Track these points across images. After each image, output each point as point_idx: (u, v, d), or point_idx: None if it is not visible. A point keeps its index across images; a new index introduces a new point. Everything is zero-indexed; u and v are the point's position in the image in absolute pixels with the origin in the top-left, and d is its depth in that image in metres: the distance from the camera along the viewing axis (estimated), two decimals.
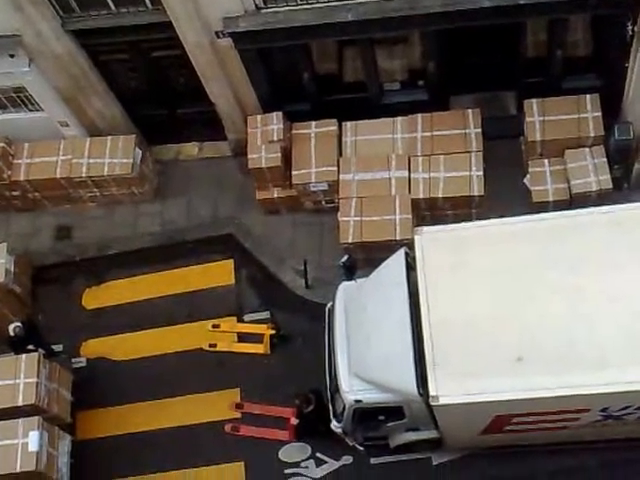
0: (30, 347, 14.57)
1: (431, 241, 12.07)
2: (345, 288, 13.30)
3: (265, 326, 14.77)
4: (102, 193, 15.88)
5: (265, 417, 14.27)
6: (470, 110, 14.47)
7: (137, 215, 16.10)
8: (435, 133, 14.42)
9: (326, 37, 13.57)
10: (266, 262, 15.37)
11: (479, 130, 14.31)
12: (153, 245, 15.87)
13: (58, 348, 15.29)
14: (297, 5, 12.96)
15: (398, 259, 12.45)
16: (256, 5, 12.97)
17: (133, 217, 16.10)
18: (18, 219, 16.45)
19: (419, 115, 14.51)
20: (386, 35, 13.83)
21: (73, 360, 15.20)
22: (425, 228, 12.31)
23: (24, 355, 14.13)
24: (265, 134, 14.74)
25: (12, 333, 14.24)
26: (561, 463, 13.12)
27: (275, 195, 15.24)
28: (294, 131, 14.96)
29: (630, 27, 12.83)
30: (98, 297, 15.65)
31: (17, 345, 14.51)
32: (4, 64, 14.11)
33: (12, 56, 13.98)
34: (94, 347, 15.31)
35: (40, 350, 14.55)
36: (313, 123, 14.87)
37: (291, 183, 14.87)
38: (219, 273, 15.50)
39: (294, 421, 13.53)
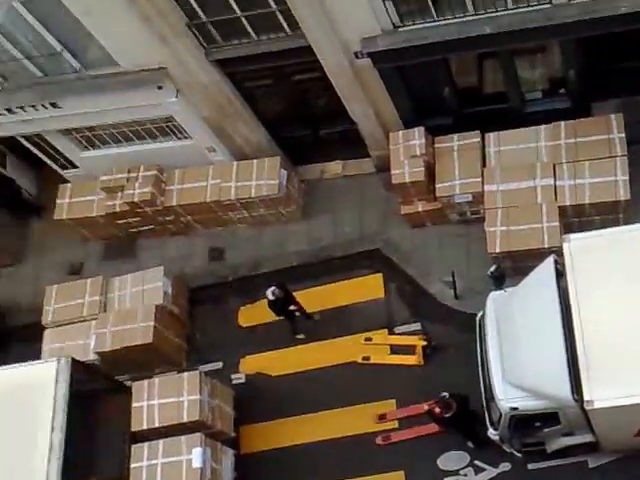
0: (292, 308, 15.74)
1: (580, 247, 12.56)
2: (495, 297, 13.87)
3: (417, 337, 15.59)
4: (251, 214, 17.13)
5: (412, 418, 14.99)
6: (613, 115, 14.84)
7: (285, 234, 17.27)
8: (579, 140, 14.88)
9: (465, 51, 14.31)
10: (414, 274, 16.21)
11: (622, 135, 14.67)
12: (302, 263, 16.97)
13: (218, 365, 16.59)
14: (434, 21, 13.70)
15: (547, 266, 12.98)
16: (393, 24, 13.82)
17: (281, 236, 17.29)
18: (173, 243, 17.96)
19: (562, 123, 15.01)
20: (525, 46, 14.38)
21: (232, 376, 16.44)
22: (573, 235, 12.81)
23: (186, 374, 15.33)
24: (407, 149, 15.56)
25: (271, 296, 15.28)
26: None
27: (420, 209, 16.02)
28: (436, 145, 15.75)
29: None
30: (252, 315, 16.87)
31: (278, 307, 15.59)
32: (153, 96, 15.47)
33: (160, 88, 15.33)
34: (252, 363, 16.54)
35: (297, 314, 15.79)
36: (455, 136, 15.60)
37: (435, 196, 15.65)
38: (368, 287, 16.46)
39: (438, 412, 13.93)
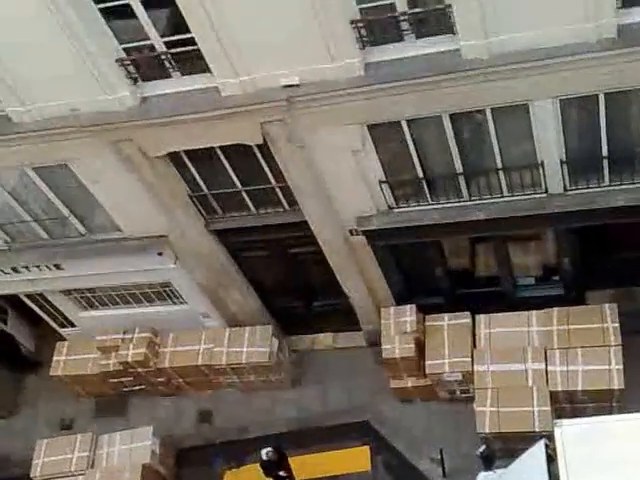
0: (281, 474, 13.82)
1: (572, 434, 10.78)
2: (484, 478, 12.04)
3: None
4: (241, 380, 15.15)
5: None
6: (607, 305, 13.11)
7: (274, 401, 15.23)
8: (571, 327, 13.09)
9: (458, 235, 12.83)
10: (402, 449, 14.14)
11: (617, 325, 12.90)
12: (290, 430, 14.88)
13: None
14: (428, 204, 12.25)
15: (538, 451, 11.14)
16: (388, 205, 12.40)
17: (270, 403, 15.24)
18: (163, 403, 15.91)
19: (555, 309, 13.24)
20: (519, 233, 12.89)
21: None
22: (565, 421, 11.08)
23: None
24: (398, 325, 13.79)
25: (265, 457, 13.44)
26: None
27: (409, 384, 14.10)
28: (427, 323, 13.95)
29: None
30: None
31: (269, 470, 13.72)
32: (153, 261, 13.91)
33: (160, 254, 13.79)
34: None
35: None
36: (446, 315, 13.83)
37: (425, 373, 13.70)
38: (355, 459, 14.34)
39: None
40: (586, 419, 11.39)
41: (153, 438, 14.61)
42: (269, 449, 13.44)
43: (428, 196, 12.12)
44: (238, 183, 12.55)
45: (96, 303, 15.45)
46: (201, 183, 12.68)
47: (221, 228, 13.56)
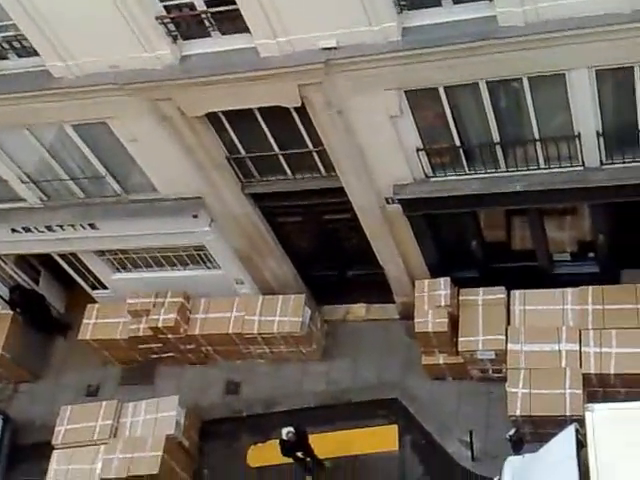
0: (299, 454, 15.40)
1: (603, 419, 11.96)
2: (512, 463, 13.22)
3: None
4: (271, 350, 16.90)
5: None
6: None
7: (304, 373, 16.92)
8: (607, 307, 14.48)
9: (494, 206, 14.23)
10: (431, 430, 15.65)
11: None
12: (318, 405, 16.53)
13: None
14: (465, 174, 13.78)
15: (568, 436, 12.37)
16: (425, 174, 13.92)
17: (300, 375, 16.93)
18: (191, 372, 17.71)
19: (590, 287, 14.67)
20: (555, 206, 14.33)
21: None
22: (597, 405, 12.23)
23: None
24: (432, 299, 15.35)
25: (285, 437, 14.88)
26: None
27: (441, 361, 15.64)
28: (461, 297, 15.48)
29: None
30: (263, 455, 16.33)
31: (287, 449, 15.18)
32: (188, 224, 15.63)
33: (195, 216, 15.48)
34: None
35: (308, 460, 15.50)
36: (481, 290, 15.34)
37: (457, 350, 15.24)
38: (383, 438, 15.90)
39: None
40: (618, 404, 12.62)
41: (178, 408, 16.31)
42: (290, 429, 14.90)
43: (465, 165, 13.65)
44: (275, 146, 14.19)
45: (129, 265, 17.39)
46: (239, 145, 14.34)
47: (257, 192, 15.26)
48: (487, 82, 12.31)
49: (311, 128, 13.57)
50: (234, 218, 15.47)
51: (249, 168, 14.76)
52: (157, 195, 15.34)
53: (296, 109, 13.19)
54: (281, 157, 14.36)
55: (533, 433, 14.21)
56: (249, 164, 14.68)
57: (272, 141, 14.07)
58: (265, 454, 16.26)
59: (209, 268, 16.96)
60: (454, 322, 15.28)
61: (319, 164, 14.38)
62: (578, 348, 14.38)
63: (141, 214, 15.52)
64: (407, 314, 16.00)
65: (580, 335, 14.48)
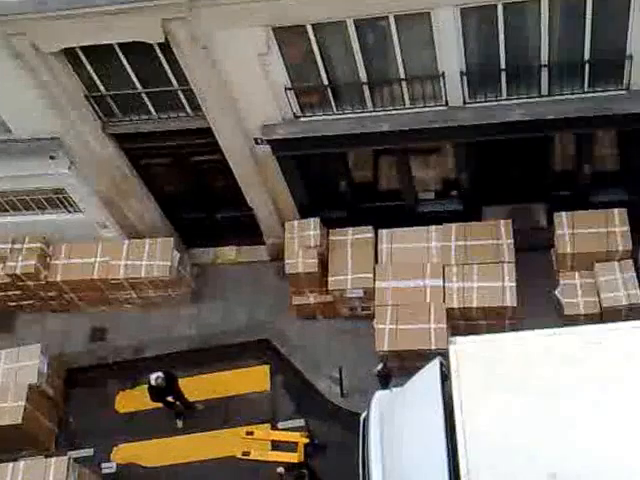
0: (169, 399, 15.26)
1: (465, 351, 12.40)
2: (380, 397, 13.59)
3: (299, 434, 15.13)
4: (139, 295, 16.63)
5: None
6: (502, 221, 15.06)
7: (173, 318, 16.77)
8: (469, 243, 15.01)
9: (361, 146, 14.39)
10: (302, 368, 15.87)
11: (511, 241, 14.87)
12: (189, 349, 16.46)
13: (89, 452, 15.77)
14: (333, 114, 13.81)
15: (432, 369, 12.79)
16: (294, 114, 13.89)
17: (169, 320, 16.78)
18: (53, 320, 17.25)
19: (453, 225, 15.13)
20: (420, 146, 14.61)
21: (103, 465, 15.63)
22: (459, 338, 12.66)
23: (53, 459, 14.62)
24: (302, 240, 15.46)
25: (154, 382, 14.74)
26: None
27: (311, 301, 15.85)
28: (331, 237, 15.67)
29: None
30: (131, 401, 16.17)
31: (157, 395, 15.07)
32: (44, 166, 15.04)
33: (52, 158, 14.91)
34: (125, 452, 15.78)
35: (178, 403, 15.36)
36: (350, 230, 15.55)
37: (327, 289, 15.45)
38: (254, 378, 16.02)
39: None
40: (479, 337, 13.02)
41: (41, 357, 15.88)
42: (159, 374, 14.82)
43: (333, 105, 13.68)
44: (138, 84, 13.79)
45: None
46: (98, 83, 13.87)
47: (120, 132, 14.84)
48: (355, 20, 12.26)
49: (176, 65, 13.24)
50: (96, 160, 15.01)
51: (110, 107, 14.33)
52: (10, 136, 14.64)
53: (160, 45, 12.80)
54: (144, 96, 14.01)
55: (400, 367, 14.52)
56: (110, 103, 14.25)
57: (134, 79, 13.66)
58: (134, 400, 16.12)
59: (70, 212, 16.40)
60: (324, 262, 15.47)
61: (185, 103, 14.10)
62: (442, 284, 14.82)
63: None
64: (277, 255, 16.09)
65: (444, 271, 14.94)
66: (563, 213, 14.85)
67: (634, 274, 14.57)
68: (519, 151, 14.36)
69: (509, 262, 14.70)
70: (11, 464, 14.61)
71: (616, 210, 14.74)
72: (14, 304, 17.11)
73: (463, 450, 11.54)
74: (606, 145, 14.73)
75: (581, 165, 14.73)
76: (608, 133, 14.45)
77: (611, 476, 11.15)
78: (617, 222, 14.70)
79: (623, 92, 13.10)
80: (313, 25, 12.45)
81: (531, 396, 11.77)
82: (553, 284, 15.19)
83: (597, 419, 11.49)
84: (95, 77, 13.72)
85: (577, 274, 14.94)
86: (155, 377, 14.71)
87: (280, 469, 13.66)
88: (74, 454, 15.35)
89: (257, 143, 14.41)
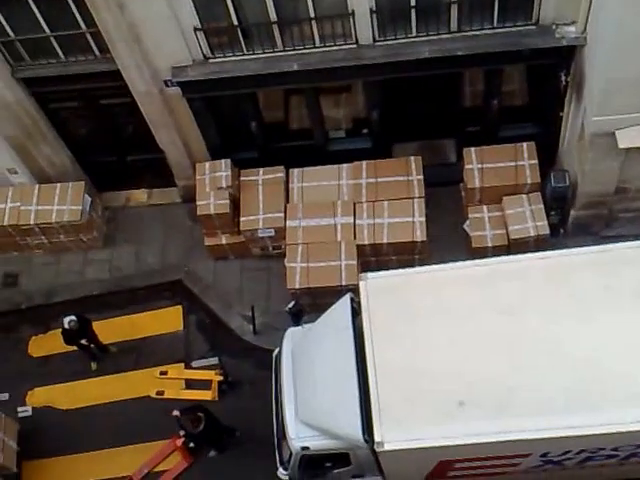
0: (83, 342, 15.07)
1: (375, 286, 12.55)
2: (292, 334, 13.71)
3: (213, 372, 15.20)
4: (50, 240, 16.38)
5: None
6: (412, 157, 15.28)
7: (85, 262, 16.61)
8: (379, 180, 15.18)
9: (272, 86, 14.28)
10: (214, 308, 15.94)
11: (421, 177, 15.10)
12: (101, 292, 16.36)
13: (3, 397, 15.61)
14: (243, 55, 13.69)
15: (343, 305, 12.93)
16: (204, 55, 13.74)
17: (81, 264, 16.61)
18: None
19: (363, 162, 15.29)
20: (329, 84, 14.63)
21: (19, 409, 15.48)
22: (369, 274, 12.77)
23: None
24: (213, 181, 15.41)
25: (67, 326, 14.60)
26: None
27: (223, 241, 15.84)
28: (242, 178, 15.66)
29: (564, 77, 13.85)
30: (45, 345, 16.03)
31: (70, 338, 14.91)
32: None
33: None
34: (40, 396, 15.66)
35: (92, 346, 15.20)
36: (261, 170, 15.60)
37: (239, 229, 15.47)
38: (168, 319, 16.03)
39: (179, 442, 14.17)
40: (389, 272, 13.07)
41: None
42: (72, 317, 14.77)
43: (243, 46, 13.56)
44: (46, 28, 13.45)
45: None
46: (6, 27, 13.45)
47: (29, 76, 14.54)
48: None
49: (83, 6, 12.85)
50: (5, 105, 14.69)
51: (19, 51, 13.97)
52: None
53: None
54: (52, 39, 13.68)
55: (312, 304, 14.75)
56: (18, 46, 13.84)
57: (42, 21, 13.27)
58: (47, 344, 16.00)
59: None
60: (236, 203, 15.47)
61: (93, 46, 13.82)
62: (352, 221, 15.00)
63: None
64: (189, 197, 15.99)
65: (354, 208, 15.10)
66: (472, 148, 15.12)
67: (542, 206, 14.94)
68: (429, 88, 14.49)
69: (419, 197, 14.95)
70: None
71: (525, 144, 15.05)
72: None
73: (374, 381, 11.76)
74: (515, 80, 14.97)
75: (489, 100, 14.88)
76: (517, 68, 14.65)
77: (518, 403, 11.40)
78: (526, 155, 15.00)
79: (532, 27, 13.20)
80: None
81: (439, 326, 12.03)
82: (462, 219, 15.53)
83: (503, 347, 11.73)
84: (3, 21, 13.31)
85: (485, 208, 15.26)
86: (68, 320, 14.65)
87: (175, 412, 13.67)
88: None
89: (167, 85, 14.22)
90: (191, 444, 14.32)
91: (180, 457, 14.78)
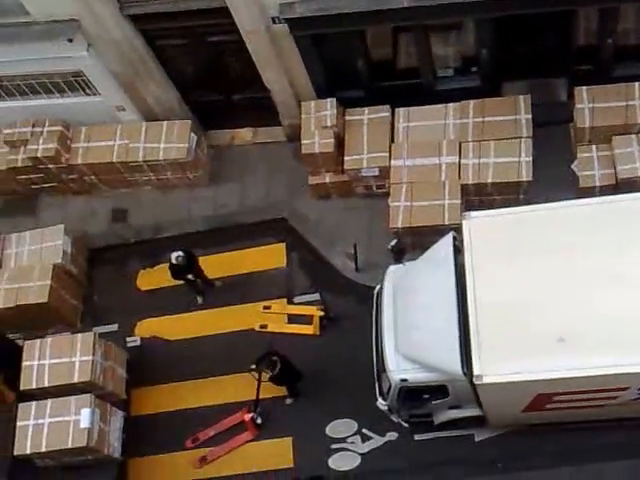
0: (190, 277, 15.51)
1: (478, 225, 12.63)
2: (393, 271, 13.86)
3: (315, 308, 15.41)
4: (157, 177, 16.67)
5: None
6: (521, 96, 14.97)
7: (191, 199, 16.87)
8: (486, 119, 14.97)
9: (381, 23, 14.14)
10: (317, 245, 16.05)
11: (529, 116, 14.81)
12: (207, 228, 16.62)
13: (113, 328, 16.14)
14: None
15: (446, 243, 13.02)
16: None
17: (187, 201, 16.87)
18: (75, 202, 17.33)
19: (471, 101, 15.07)
20: (440, 22, 14.36)
21: (128, 339, 16.01)
22: (473, 213, 12.86)
23: (80, 334, 14.97)
24: (319, 120, 15.39)
25: (174, 261, 14.99)
26: (602, 439, 13.59)
27: (327, 180, 15.90)
28: (347, 117, 15.59)
29: None
30: (152, 279, 16.45)
31: (177, 273, 15.34)
32: (63, 48, 14.76)
33: (70, 40, 14.63)
34: (148, 327, 16.14)
35: (198, 281, 15.63)
36: (366, 109, 15.47)
37: (343, 168, 15.49)
38: (271, 256, 16.24)
39: (248, 417, 14.65)
40: (492, 211, 13.11)
41: (64, 237, 16.06)
42: (179, 253, 15.00)
43: None
44: None
45: (2, 93, 16.36)
46: None
47: (137, 13, 14.55)
48: None
49: None
50: (113, 42, 14.76)
51: None
52: (29, 18, 14.31)
53: None
54: None
55: (414, 243, 14.76)
56: None
57: None
58: (155, 278, 16.39)
59: (88, 95, 16.18)
60: (340, 142, 15.43)
61: None
62: (458, 160, 14.86)
63: (13, 39, 14.49)
64: (294, 136, 16.01)
65: (460, 148, 14.94)
66: (584, 87, 14.73)
67: None
68: (540, 26, 14.19)
69: (527, 137, 14.71)
70: (39, 340, 14.89)
71: (637, 83, 14.61)
72: (36, 187, 17.08)
73: (474, 315, 11.91)
74: (629, 19, 14.45)
75: (603, 39, 14.47)
76: (632, 7, 14.16)
77: (620, 339, 11.40)
78: (637, 95, 14.57)
79: None
80: None
81: (541, 264, 12.04)
82: (570, 158, 15.25)
83: (605, 285, 11.72)
84: None
85: (594, 147, 14.95)
86: (176, 255, 14.91)
87: (250, 367, 14.12)
88: (99, 330, 15.67)
89: (274, 22, 14.15)
90: (259, 420, 14.71)
91: (246, 430, 14.95)
